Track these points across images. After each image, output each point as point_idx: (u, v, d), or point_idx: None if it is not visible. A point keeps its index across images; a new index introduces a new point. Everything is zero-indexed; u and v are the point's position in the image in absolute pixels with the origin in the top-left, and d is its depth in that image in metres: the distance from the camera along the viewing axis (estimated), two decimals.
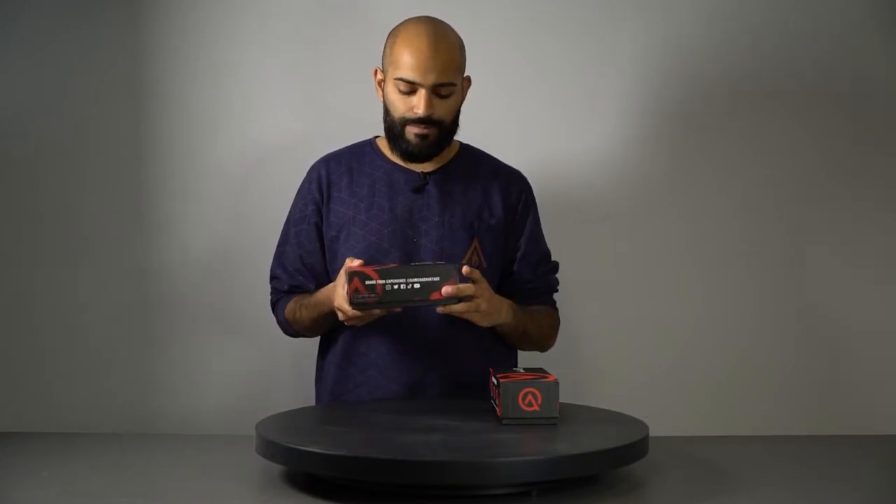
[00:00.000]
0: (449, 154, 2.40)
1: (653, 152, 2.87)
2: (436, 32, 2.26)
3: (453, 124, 2.33)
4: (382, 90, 2.33)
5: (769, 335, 2.88)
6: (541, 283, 2.43)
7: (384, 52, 2.32)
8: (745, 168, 2.88)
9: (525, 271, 2.41)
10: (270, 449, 1.89)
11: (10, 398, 2.84)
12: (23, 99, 2.85)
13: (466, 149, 2.44)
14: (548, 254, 2.46)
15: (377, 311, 2.14)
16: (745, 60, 2.86)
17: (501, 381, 1.99)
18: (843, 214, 2.88)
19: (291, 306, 2.37)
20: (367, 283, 2.06)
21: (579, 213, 2.86)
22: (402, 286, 2.06)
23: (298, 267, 2.39)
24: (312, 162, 2.44)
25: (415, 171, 2.36)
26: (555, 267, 2.47)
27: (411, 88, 2.25)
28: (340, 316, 2.18)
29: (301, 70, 2.86)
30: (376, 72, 2.36)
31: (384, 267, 2.08)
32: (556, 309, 2.46)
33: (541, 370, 2.13)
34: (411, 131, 2.28)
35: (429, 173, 2.37)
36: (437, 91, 2.25)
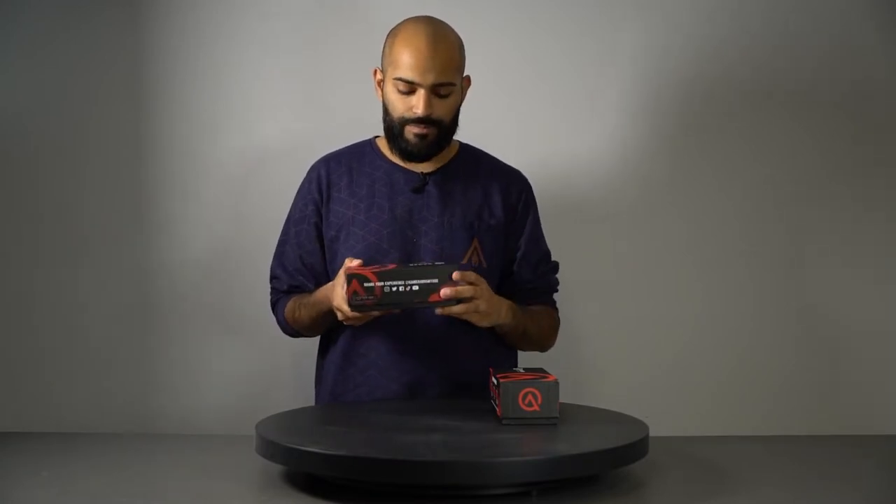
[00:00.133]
0: (449, 154, 2.40)
1: (653, 152, 2.87)
2: (435, 32, 2.26)
3: (452, 124, 2.33)
4: (382, 90, 2.33)
5: (769, 335, 2.88)
6: (541, 283, 2.43)
7: (383, 51, 2.32)
8: (745, 168, 2.88)
9: (525, 271, 2.41)
10: (270, 449, 1.89)
11: (10, 398, 2.84)
12: (23, 99, 2.85)
13: (466, 149, 2.44)
14: (548, 254, 2.46)
15: (376, 312, 2.15)
16: (745, 60, 2.86)
17: (501, 381, 1.99)
18: (843, 214, 2.88)
19: (291, 306, 2.38)
20: (366, 285, 2.06)
21: (579, 213, 2.86)
22: (401, 288, 2.06)
23: (298, 267, 2.39)
24: (312, 162, 2.44)
25: (414, 172, 2.36)
26: (555, 267, 2.47)
27: (410, 88, 2.25)
28: (339, 316, 2.18)
29: (301, 70, 2.86)
30: (376, 72, 2.36)
31: (383, 269, 2.07)
32: (556, 309, 2.46)
33: (541, 370, 2.13)
34: (411, 131, 2.28)
35: (428, 173, 2.37)
36: (436, 91, 2.25)
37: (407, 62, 2.24)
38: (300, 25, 2.86)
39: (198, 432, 2.70)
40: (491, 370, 2.14)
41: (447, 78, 2.25)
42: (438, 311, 2.12)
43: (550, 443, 1.90)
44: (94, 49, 2.85)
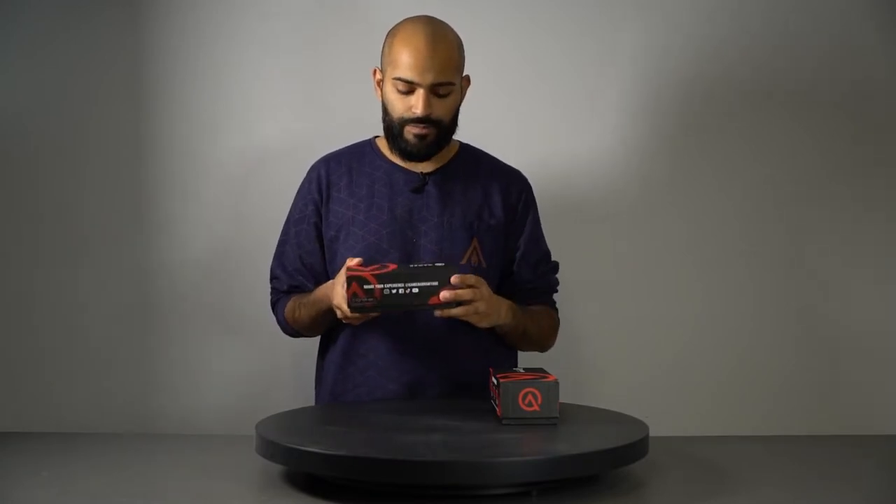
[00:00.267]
0: (448, 154, 2.40)
1: (653, 152, 2.87)
2: (434, 32, 2.26)
3: (452, 124, 2.33)
4: (381, 90, 2.33)
5: (769, 335, 2.88)
6: (541, 283, 2.43)
7: (383, 51, 2.32)
8: (745, 168, 2.88)
9: (525, 271, 2.41)
10: (270, 449, 1.89)
11: (10, 398, 2.84)
12: (23, 99, 2.85)
13: (466, 148, 2.44)
14: (548, 254, 2.46)
15: (375, 313, 2.15)
16: (745, 60, 2.86)
17: (501, 381, 1.99)
18: (843, 214, 2.88)
19: (291, 305, 2.38)
20: (366, 287, 2.06)
21: (579, 213, 2.86)
22: (401, 291, 2.06)
23: (298, 267, 2.39)
24: (312, 162, 2.44)
25: (414, 172, 2.36)
26: (555, 267, 2.46)
27: (409, 88, 2.25)
28: (338, 314, 2.18)
29: (301, 70, 2.86)
30: (375, 72, 2.36)
31: (383, 271, 2.07)
32: (556, 309, 2.46)
33: (541, 370, 2.13)
34: (410, 131, 2.28)
35: (428, 173, 2.37)
36: (435, 90, 2.25)
37: (406, 62, 2.24)
38: (300, 25, 2.86)
39: (198, 432, 2.70)
40: (491, 370, 2.14)
41: (446, 77, 2.25)
42: (438, 313, 2.12)
43: (550, 443, 1.90)
44: (94, 49, 2.85)
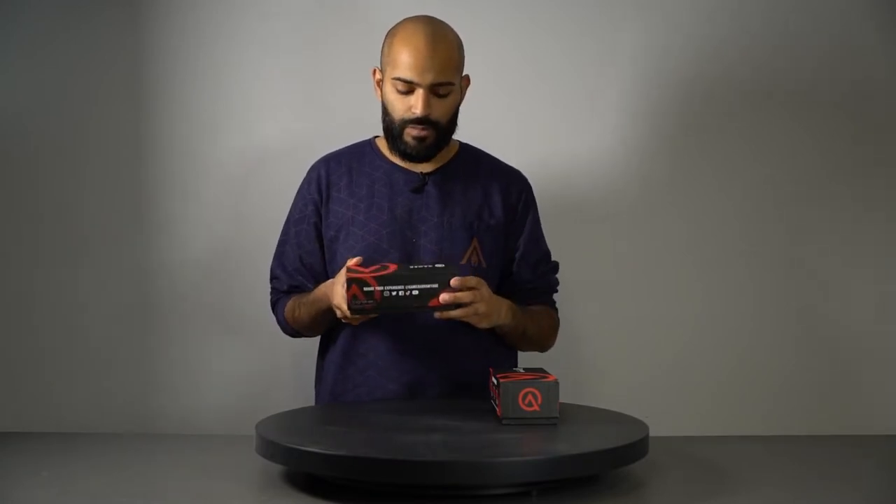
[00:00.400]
0: (448, 154, 2.40)
1: (653, 152, 2.87)
2: (433, 32, 2.26)
3: (451, 124, 2.33)
4: (381, 90, 2.33)
5: (769, 335, 2.88)
6: (540, 283, 2.43)
7: (382, 51, 2.32)
8: (745, 168, 2.88)
9: (525, 271, 2.41)
10: (270, 449, 1.89)
11: (10, 398, 2.84)
12: (23, 99, 2.85)
13: (466, 148, 2.44)
14: (548, 254, 2.46)
15: (375, 315, 2.15)
16: (745, 60, 2.86)
17: (501, 381, 1.99)
18: (843, 214, 2.88)
19: (290, 305, 2.38)
20: (366, 289, 2.06)
21: (579, 213, 2.86)
22: (401, 293, 2.06)
23: (298, 267, 2.39)
24: (312, 162, 2.44)
25: (414, 172, 2.36)
26: (555, 267, 2.46)
27: (409, 88, 2.25)
28: (338, 314, 2.18)
29: (301, 70, 2.86)
30: (375, 72, 2.35)
31: (383, 273, 2.07)
32: (556, 309, 2.46)
33: (541, 370, 2.13)
34: (409, 133, 2.28)
35: (428, 173, 2.37)
36: (434, 90, 2.25)
37: (406, 62, 2.24)
38: (300, 25, 2.86)
39: (198, 432, 2.70)
40: (491, 370, 2.14)
41: (446, 77, 2.25)
42: (437, 315, 2.12)
43: (550, 443, 1.90)
44: (94, 49, 2.85)
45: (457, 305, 2.10)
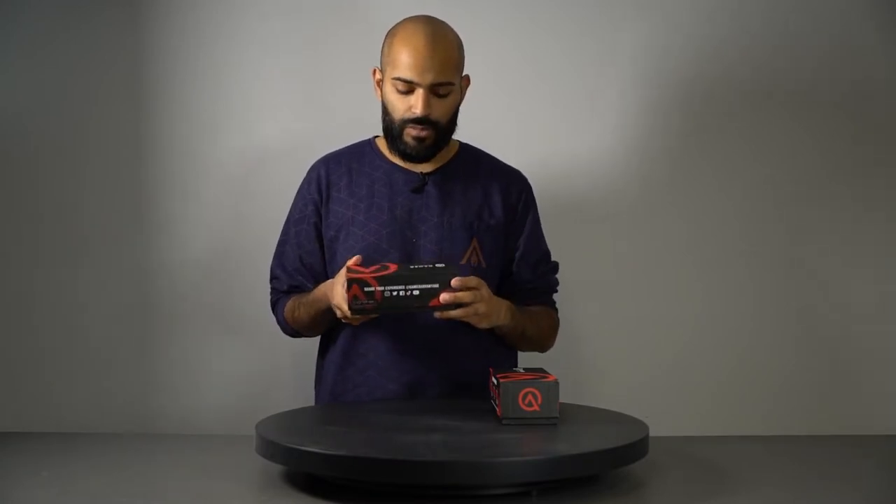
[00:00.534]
0: (448, 154, 2.40)
1: (653, 152, 2.87)
2: (433, 31, 2.26)
3: (451, 124, 2.33)
4: (381, 90, 2.33)
5: (769, 335, 2.88)
6: (540, 283, 2.43)
7: (382, 51, 2.32)
8: (745, 168, 2.88)
9: (524, 271, 2.41)
10: (270, 449, 1.89)
11: (10, 398, 2.84)
12: (23, 99, 2.85)
13: (466, 148, 2.44)
14: (547, 254, 2.46)
15: (375, 315, 2.15)
16: (745, 60, 2.86)
17: (501, 381, 1.99)
18: (843, 214, 2.88)
19: (290, 305, 2.37)
20: (367, 289, 2.06)
21: (579, 213, 2.86)
22: (401, 293, 2.06)
23: (298, 267, 2.39)
24: (312, 162, 2.44)
25: (414, 172, 2.36)
26: (554, 267, 2.46)
27: (409, 88, 2.25)
28: (338, 314, 2.18)
29: (301, 70, 2.86)
30: (375, 72, 2.35)
31: (384, 273, 2.07)
32: (556, 309, 2.46)
33: (541, 370, 2.13)
34: (409, 134, 2.28)
35: (428, 173, 2.37)
36: (434, 90, 2.25)
37: (406, 62, 2.24)
38: (300, 25, 2.86)
39: (198, 432, 2.70)
40: (491, 370, 2.14)
41: (446, 77, 2.25)
42: (437, 315, 2.12)
43: (550, 443, 1.90)
44: (94, 49, 2.85)
45: (457, 305, 2.10)
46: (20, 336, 2.86)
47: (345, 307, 2.11)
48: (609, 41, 2.86)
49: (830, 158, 2.88)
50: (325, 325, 2.37)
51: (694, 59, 2.86)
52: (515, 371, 2.13)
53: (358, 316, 2.13)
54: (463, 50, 2.32)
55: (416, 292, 2.06)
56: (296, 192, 2.43)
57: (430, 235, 2.32)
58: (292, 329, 2.41)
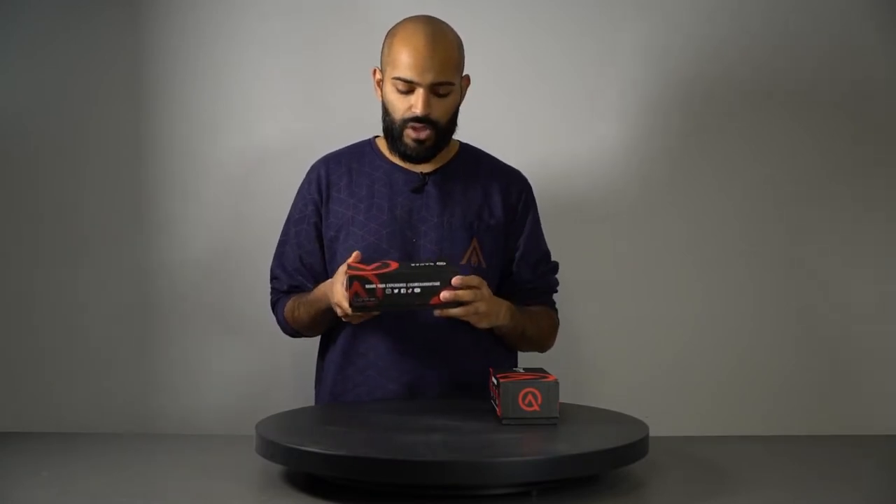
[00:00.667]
0: (449, 154, 2.40)
1: (653, 152, 2.87)
2: (433, 31, 2.26)
3: (451, 124, 2.33)
4: (381, 90, 2.33)
5: (769, 335, 2.88)
6: (540, 283, 2.43)
7: (382, 51, 2.32)
8: (745, 168, 2.88)
9: (524, 271, 2.41)
10: (270, 449, 1.89)
11: (10, 398, 2.84)
12: (23, 99, 2.85)
13: (466, 148, 2.44)
14: (547, 254, 2.46)
15: (376, 312, 2.15)
16: (745, 60, 2.86)
17: (501, 381, 1.99)
18: (843, 214, 2.88)
19: (290, 305, 2.37)
20: (368, 286, 2.06)
21: (579, 213, 2.86)
22: (402, 290, 2.06)
23: (298, 267, 2.39)
24: (312, 162, 2.44)
25: (414, 172, 2.36)
26: (555, 267, 2.46)
27: (409, 87, 2.25)
28: (338, 312, 2.18)
29: (301, 70, 2.86)
30: (375, 72, 2.35)
31: (385, 270, 2.07)
32: (556, 310, 2.46)
33: (541, 370, 2.13)
34: (409, 135, 2.28)
35: (428, 173, 2.37)
36: (434, 90, 2.25)
37: (406, 62, 2.24)
38: (300, 25, 2.85)
39: (198, 432, 2.70)
40: (491, 370, 2.14)
41: (446, 77, 2.25)
42: (437, 313, 2.12)
43: (550, 443, 1.90)
44: (94, 49, 2.85)
45: (458, 304, 2.10)
46: (20, 336, 2.86)
47: (345, 305, 2.11)
48: (609, 41, 2.86)
49: (830, 158, 2.88)
50: (325, 325, 2.37)
51: (694, 59, 2.86)
52: (515, 371, 2.13)
53: (358, 314, 2.13)
54: (463, 50, 2.32)
55: (417, 290, 2.06)
56: (296, 192, 2.43)
57: (430, 235, 2.32)
58: (292, 329, 2.41)
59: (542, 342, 2.43)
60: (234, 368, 2.86)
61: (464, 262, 2.31)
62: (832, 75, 2.86)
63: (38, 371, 2.86)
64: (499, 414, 2.01)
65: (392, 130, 2.30)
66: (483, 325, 2.20)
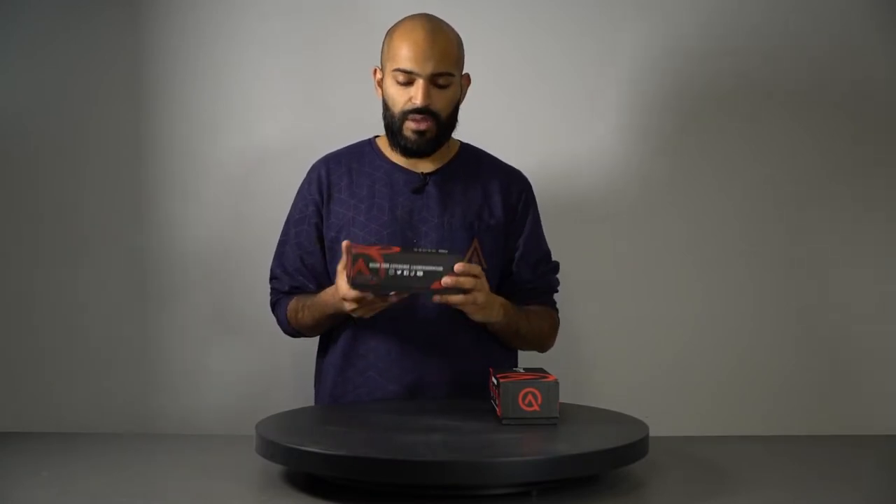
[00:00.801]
0: (449, 154, 2.39)
1: (653, 152, 2.87)
2: (433, 26, 2.27)
3: (451, 119, 2.32)
4: (381, 89, 2.33)
5: (769, 335, 2.88)
6: (540, 283, 2.42)
7: (382, 50, 2.32)
8: (745, 168, 2.88)
9: (524, 271, 2.41)
10: (270, 449, 1.89)
11: (10, 398, 2.84)
12: (23, 99, 2.85)
13: (467, 148, 2.44)
14: (548, 254, 2.46)
15: (378, 304, 2.13)
16: (745, 60, 2.86)
17: (501, 381, 1.99)
18: (843, 214, 2.88)
19: (293, 306, 2.37)
20: (371, 265, 2.05)
21: (579, 213, 2.86)
22: (405, 272, 2.06)
23: (298, 267, 2.39)
24: (312, 162, 2.44)
25: (415, 172, 2.36)
26: (555, 267, 2.46)
27: (409, 78, 2.25)
28: (347, 307, 2.15)
29: (301, 70, 2.86)
30: (375, 71, 2.36)
31: (388, 251, 2.07)
32: (557, 309, 2.46)
33: (541, 370, 2.13)
34: (409, 126, 2.28)
35: (429, 174, 2.37)
36: (434, 81, 2.25)
37: (405, 54, 2.24)
38: (300, 25, 2.85)
39: (198, 432, 2.70)
40: (491, 370, 2.14)
41: (445, 68, 2.25)
42: (437, 298, 2.11)
43: (550, 443, 1.90)
44: (94, 49, 2.85)
45: (458, 291, 2.09)
46: (20, 336, 2.86)
47: (347, 290, 2.09)
48: (609, 41, 2.86)
49: (830, 158, 2.88)
50: (327, 327, 2.36)
51: (694, 59, 2.86)
52: (515, 371, 2.13)
53: (360, 296, 2.10)
54: (462, 48, 2.32)
55: (419, 273, 2.06)
56: (295, 192, 2.43)
57: (431, 236, 2.32)
58: (293, 329, 2.41)
59: (541, 342, 2.42)
60: (234, 368, 2.86)
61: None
62: (832, 75, 2.86)
63: (38, 371, 2.86)
64: (499, 414, 2.01)
65: (392, 125, 2.30)
66: (478, 317, 2.20)
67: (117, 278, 2.86)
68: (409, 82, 2.25)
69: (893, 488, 2.04)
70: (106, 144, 2.86)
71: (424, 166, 2.36)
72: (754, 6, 2.86)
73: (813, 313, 2.88)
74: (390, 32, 2.31)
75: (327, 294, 2.27)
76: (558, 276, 2.47)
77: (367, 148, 2.42)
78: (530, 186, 2.45)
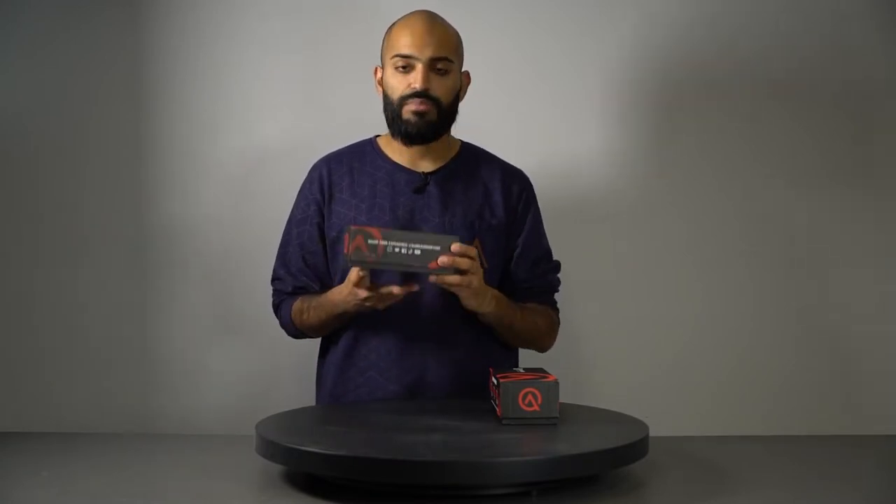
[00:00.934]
0: (450, 153, 2.39)
1: (653, 152, 2.87)
2: (431, 16, 2.31)
3: (451, 108, 2.32)
4: (382, 86, 2.33)
5: (769, 335, 2.88)
6: (538, 282, 2.42)
7: (382, 46, 2.33)
8: (744, 168, 2.88)
9: (521, 270, 2.40)
10: (270, 449, 1.89)
11: (10, 398, 2.84)
12: (23, 99, 2.86)
13: (467, 147, 2.44)
14: (548, 252, 2.46)
15: (390, 296, 2.15)
16: (745, 60, 2.86)
17: (501, 381, 1.99)
18: (843, 214, 2.88)
19: (298, 306, 2.36)
20: (370, 242, 2.06)
21: (580, 213, 2.86)
22: (403, 250, 2.07)
23: (301, 267, 2.39)
24: (313, 162, 2.44)
25: (416, 172, 2.36)
26: (556, 266, 2.46)
27: (408, 63, 2.26)
28: (360, 294, 2.16)
29: (301, 70, 2.86)
30: (376, 70, 2.36)
31: (388, 230, 2.09)
32: (557, 309, 2.46)
33: (541, 370, 2.13)
34: (409, 109, 2.27)
35: (430, 173, 2.37)
36: (433, 66, 2.26)
37: (405, 41, 2.26)
38: (300, 25, 2.86)
39: (198, 432, 2.70)
40: (491, 370, 2.14)
41: (444, 53, 2.26)
42: (433, 278, 2.12)
43: (550, 443, 1.90)
44: (94, 49, 2.85)
45: (455, 273, 2.10)
46: (20, 336, 2.86)
47: (352, 273, 2.11)
48: (609, 41, 2.86)
49: (830, 158, 2.88)
50: (332, 328, 2.36)
51: (694, 59, 2.86)
52: (515, 371, 2.13)
53: (373, 298, 2.12)
54: (461, 42, 2.33)
55: (417, 251, 2.07)
56: (296, 192, 2.43)
57: None
58: (297, 330, 2.40)
59: (538, 340, 2.42)
60: (234, 368, 2.86)
61: None
62: (832, 75, 2.86)
63: (38, 371, 2.86)
64: (499, 414, 2.01)
65: (392, 112, 2.30)
66: (471, 303, 2.20)
67: (117, 278, 2.86)
68: (408, 67, 2.26)
69: (893, 488, 2.04)
70: (106, 144, 2.86)
71: (425, 166, 2.36)
72: (754, 6, 2.86)
73: (813, 313, 2.88)
74: (389, 28, 2.33)
75: (334, 293, 2.27)
76: (559, 275, 2.47)
77: (368, 147, 2.42)
78: (531, 185, 2.45)
